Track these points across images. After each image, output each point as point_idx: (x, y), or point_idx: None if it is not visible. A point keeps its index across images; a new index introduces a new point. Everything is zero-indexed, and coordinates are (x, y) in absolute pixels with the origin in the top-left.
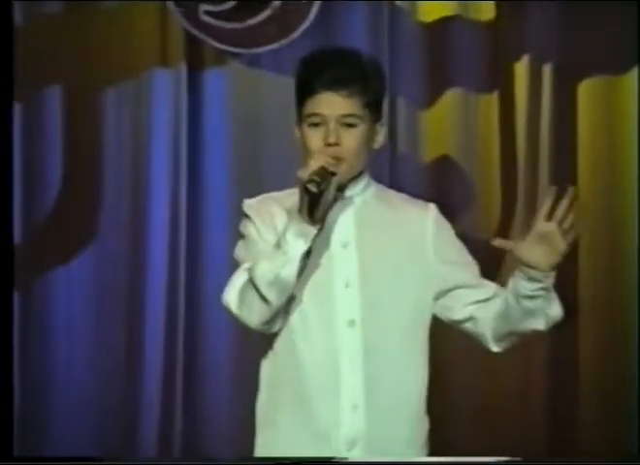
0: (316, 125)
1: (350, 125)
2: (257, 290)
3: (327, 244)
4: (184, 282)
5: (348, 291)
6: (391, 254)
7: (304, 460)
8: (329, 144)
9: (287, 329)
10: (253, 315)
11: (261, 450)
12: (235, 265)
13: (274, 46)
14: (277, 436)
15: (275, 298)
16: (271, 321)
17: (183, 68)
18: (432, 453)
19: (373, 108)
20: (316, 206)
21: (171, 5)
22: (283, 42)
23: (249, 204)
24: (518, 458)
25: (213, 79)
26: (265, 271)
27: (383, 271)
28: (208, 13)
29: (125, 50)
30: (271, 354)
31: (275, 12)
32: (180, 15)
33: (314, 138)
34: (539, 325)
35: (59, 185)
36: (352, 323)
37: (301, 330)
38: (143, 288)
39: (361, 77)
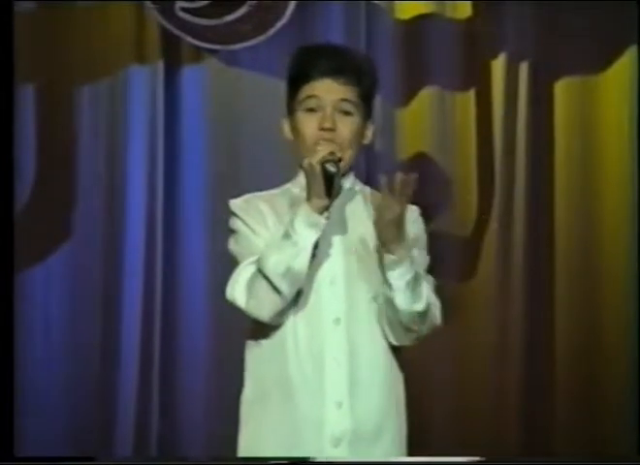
0: (312, 110)
1: (346, 112)
2: (269, 282)
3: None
4: (161, 279)
5: (333, 288)
6: (373, 252)
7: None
8: (324, 128)
9: (273, 326)
10: (264, 307)
11: (244, 445)
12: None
13: (251, 42)
14: (262, 433)
15: (287, 289)
16: (282, 312)
17: (160, 65)
18: (410, 453)
19: (366, 102)
20: (330, 188)
21: (147, 2)
22: (260, 38)
23: (237, 204)
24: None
25: (190, 76)
26: (277, 263)
27: (366, 268)
28: (185, 9)
29: (102, 47)
30: (256, 350)
31: (252, 8)
32: (157, 11)
33: (309, 123)
34: (403, 318)
35: (34, 182)
36: (338, 320)
37: (287, 327)
38: (119, 285)
39: (356, 68)
